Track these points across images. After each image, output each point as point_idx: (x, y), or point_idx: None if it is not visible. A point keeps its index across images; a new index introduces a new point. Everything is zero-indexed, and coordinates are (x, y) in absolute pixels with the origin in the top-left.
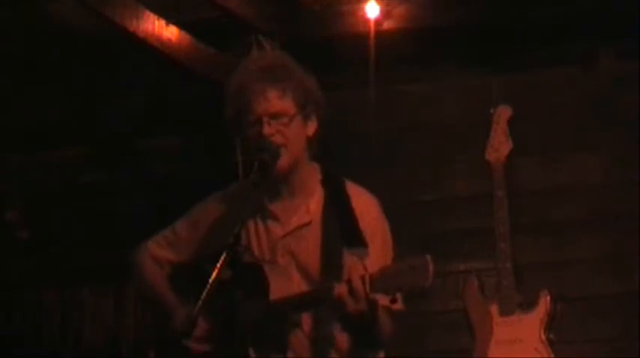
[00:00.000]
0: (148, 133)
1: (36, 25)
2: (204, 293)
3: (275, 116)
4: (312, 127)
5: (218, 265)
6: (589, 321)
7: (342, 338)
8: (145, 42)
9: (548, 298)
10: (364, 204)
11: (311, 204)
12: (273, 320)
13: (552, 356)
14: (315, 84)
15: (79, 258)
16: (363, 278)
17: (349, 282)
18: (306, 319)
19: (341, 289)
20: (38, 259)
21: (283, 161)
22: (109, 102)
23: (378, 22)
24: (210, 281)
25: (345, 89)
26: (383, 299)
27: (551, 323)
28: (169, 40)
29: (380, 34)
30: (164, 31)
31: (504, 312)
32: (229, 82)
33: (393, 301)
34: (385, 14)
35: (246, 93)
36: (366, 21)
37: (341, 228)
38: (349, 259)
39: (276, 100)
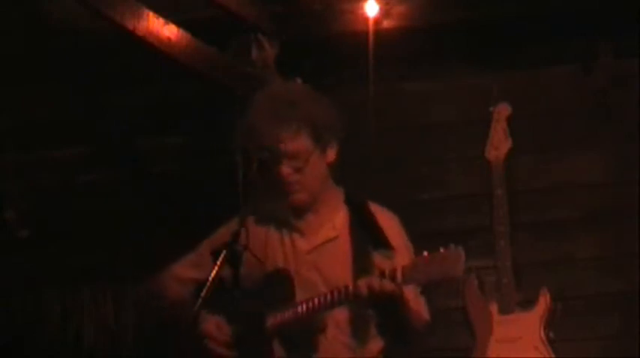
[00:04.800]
0: (148, 132)
1: (36, 25)
2: (203, 291)
3: (291, 156)
4: (331, 154)
5: (218, 263)
6: (589, 320)
7: (374, 350)
8: (145, 41)
9: (548, 296)
10: (388, 221)
11: (336, 220)
12: (299, 325)
13: (552, 354)
14: (332, 110)
15: (79, 258)
16: (395, 270)
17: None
18: (333, 322)
19: (367, 283)
20: (38, 259)
21: (300, 196)
22: (109, 101)
23: (377, 20)
24: (210, 279)
25: (344, 89)
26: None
27: (551, 322)
28: (169, 38)
29: (379, 33)
30: (163, 29)
31: (504, 311)
32: (244, 117)
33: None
34: (384, 13)
35: (262, 132)
36: (366, 20)
37: (371, 240)
38: (377, 260)
39: (291, 142)
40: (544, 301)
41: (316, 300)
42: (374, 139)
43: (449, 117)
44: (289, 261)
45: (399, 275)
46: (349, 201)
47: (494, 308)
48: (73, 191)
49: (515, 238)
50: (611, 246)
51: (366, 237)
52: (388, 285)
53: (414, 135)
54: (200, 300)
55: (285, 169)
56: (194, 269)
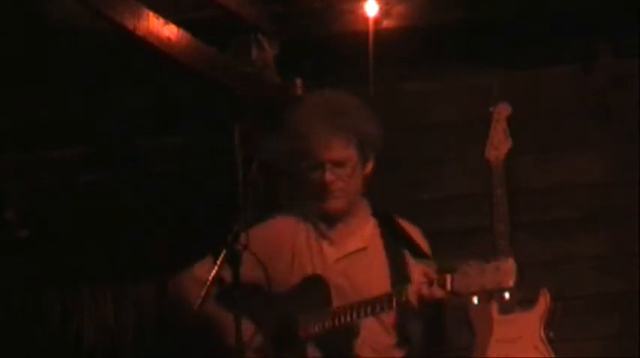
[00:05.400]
0: (148, 132)
1: (36, 25)
2: (203, 291)
3: (338, 164)
4: (369, 166)
5: (218, 263)
6: (589, 320)
7: (399, 350)
8: (145, 41)
9: (548, 296)
10: (417, 235)
11: (365, 231)
12: (335, 327)
13: (552, 354)
14: (376, 123)
15: (79, 258)
16: (444, 278)
17: (424, 285)
18: (364, 326)
19: (416, 291)
20: (38, 259)
21: (338, 204)
22: (109, 101)
23: (377, 20)
24: (210, 279)
25: (344, 89)
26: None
27: (551, 322)
28: (169, 38)
29: (379, 33)
30: (163, 29)
31: (504, 310)
32: (291, 116)
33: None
34: (384, 13)
35: (310, 138)
36: (366, 20)
37: (405, 246)
38: (418, 268)
39: (340, 149)
40: (544, 301)
41: (357, 309)
42: None
43: (449, 117)
44: (317, 266)
45: (448, 283)
46: (376, 213)
47: (494, 307)
48: (73, 191)
49: (515, 238)
50: (611, 246)
51: (400, 247)
52: (438, 292)
53: (414, 135)
54: (200, 300)
55: (330, 176)
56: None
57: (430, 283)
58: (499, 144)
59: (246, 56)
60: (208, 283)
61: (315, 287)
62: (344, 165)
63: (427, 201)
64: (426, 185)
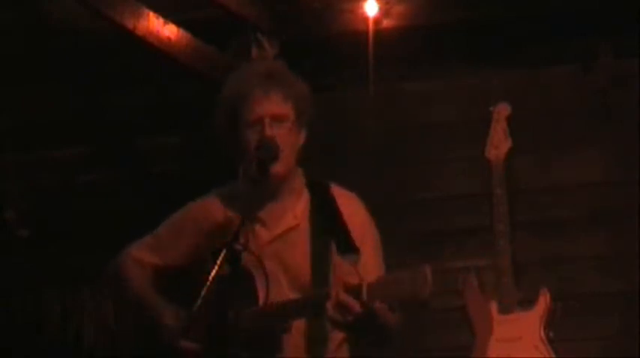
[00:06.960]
0: (148, 132)
1: (36, 24)
2: (203, 291)
3: (277, 118)
4: (303, 136)
5: (218, 262)
6: (589, 320)
7: (338, 338)
8: (145, 41)
9: (548, 296)
10: (351, 207)
11: (297, 207)
12: (264, 325)
13: (552, 354)
14: (310, 94)
15: (79, 258)
16: (360, 286)
17: (338, 299)
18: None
19: (332, 303)
20: (38, 259)
21: (279, 167)
22: (108, 100)
23: (377, 20)
24: (210, 278)
25: (344, 88)
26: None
27: (551, 322)
28: (168, 38)
29: (379, 32)
30: (163, 29)
31: (504, 310)
32: (228, 82)
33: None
34: (384, 13)
35: (249, 94)
36: (365, 19)
37: (330, 231)
38: (341, 266)
39: (279, 103)
40: (544, 301)
41: (278, 312)
42: (373, 138)
43: (449, 117)
44: (249, 251)
45: (364, 292)
46: (311, 185)
47: (494, 307)
48: (73, 191)
49: (514, 238)
50: (611, 246)
51: (326, 225)
52: (354, 305)
53: (414, 135)
54: (200, 300)
55: (270, 130)
56: (152, 253)
57: (346, 289)
58: (499, 144)
59: (246, 56)
60: (208, 283)
61: (242, 280)
62: (283, 120)
63: (427, 200)
64: (426, 185)
